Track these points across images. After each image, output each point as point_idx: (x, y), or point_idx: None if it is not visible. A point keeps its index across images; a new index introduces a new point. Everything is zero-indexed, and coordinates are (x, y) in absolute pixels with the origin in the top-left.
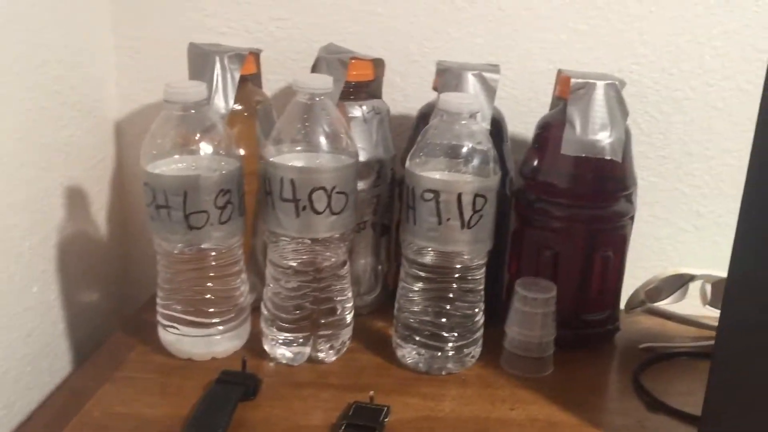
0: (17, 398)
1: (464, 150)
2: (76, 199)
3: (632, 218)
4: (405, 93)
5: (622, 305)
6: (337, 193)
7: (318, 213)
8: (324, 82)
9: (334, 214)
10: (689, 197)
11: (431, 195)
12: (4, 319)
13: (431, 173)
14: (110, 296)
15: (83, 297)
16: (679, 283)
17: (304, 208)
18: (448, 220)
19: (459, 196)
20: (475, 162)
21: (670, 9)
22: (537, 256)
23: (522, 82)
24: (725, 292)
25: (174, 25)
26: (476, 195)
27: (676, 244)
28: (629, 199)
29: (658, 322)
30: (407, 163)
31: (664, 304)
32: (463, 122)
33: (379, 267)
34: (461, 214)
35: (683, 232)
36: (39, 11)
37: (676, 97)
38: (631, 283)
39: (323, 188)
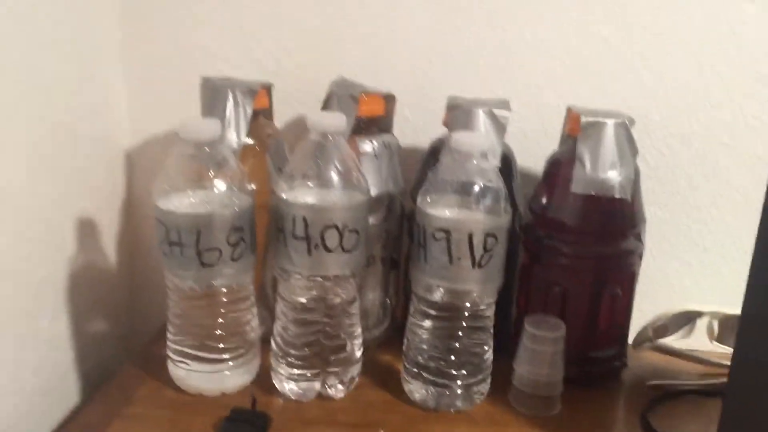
0: None
1: (475, 189)
2: (86, 230)
3: (641, 255)
4: (414, 126)
5: (630, 341)
6: (349, 231)
7: (330, 251)
8: (337, 120)
9: (345, 252)
10: (695, 232)
11: (443, 234)
12: (14, 353)
13: (442, 211)
14: (119, 327)
15: (92, 328)
16: (686, 319)
17: (316, 246)
18: (459, 259)
19: (470, 235)
20: (487, 201)
21: (676, 43)
22: (545, 292)
23: (530, 116)
24: (739, 330)
25: (185, 57)
26: (487, 235)
27: (682, 279)
28: (638, 237)
29: (665, 358)
30: (418, 201)
31: (671, 341)
32: (474, 161)
33: (388, 300)
34: (472, 253)
35: (689, 267)
36: (47, 42)
37: (683, 132)
38: (637, 317)
39: (335, 226)
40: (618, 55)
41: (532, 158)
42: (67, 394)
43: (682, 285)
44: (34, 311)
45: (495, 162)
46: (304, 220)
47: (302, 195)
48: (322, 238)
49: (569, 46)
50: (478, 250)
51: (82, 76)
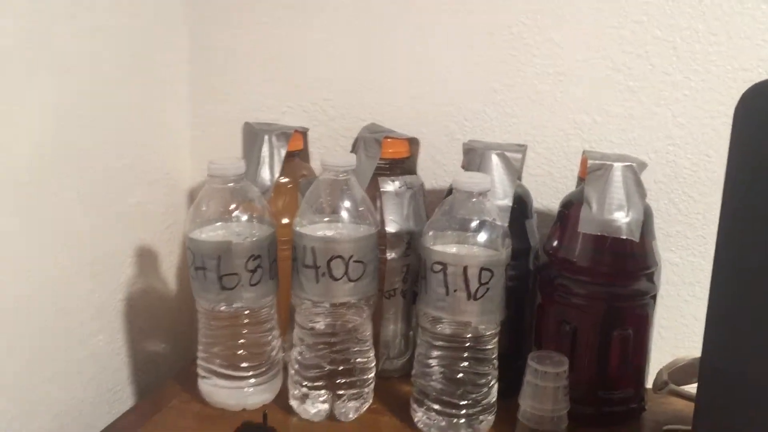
0: None
1: (473, 225)
2: (145, 258)
3: (654, 297)
4: (445, 168)
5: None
6: (355, 261)
7: (336, 279)
8: (347, 160)
9: (351, 281)
10: None
11: (440, 267)
12: (68, 364)
13: (443, 247)
14: (177, 348)
15: (149, 347)
16: None
17: (323, 274)
18: (455, 291)
19: (465, 268)
20: (484, 236)
21: (704, 93)
22: (557, 330)
23: (557, 160)
24: (699, 373)
25: (243, 106)
26: (482, 269)
27: None
28: (650, 279)
29: (690, 405)
30: (422, 237)
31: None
32: (474, 200)
33: (410, 333)
34: (467, 285)
35: None
36: (123, 95)
37: (714, 179)
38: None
39: (341, 257)
40: (646, 106)
41: (558, 201)
42: (120, 406)
43: None
44: (91, 330)
45: (507, 201)
46: (313, 250)
47: (315, 228)
48: (329, 267)
49: (597, 95)
50: (474, 283)
51: (148, 125)
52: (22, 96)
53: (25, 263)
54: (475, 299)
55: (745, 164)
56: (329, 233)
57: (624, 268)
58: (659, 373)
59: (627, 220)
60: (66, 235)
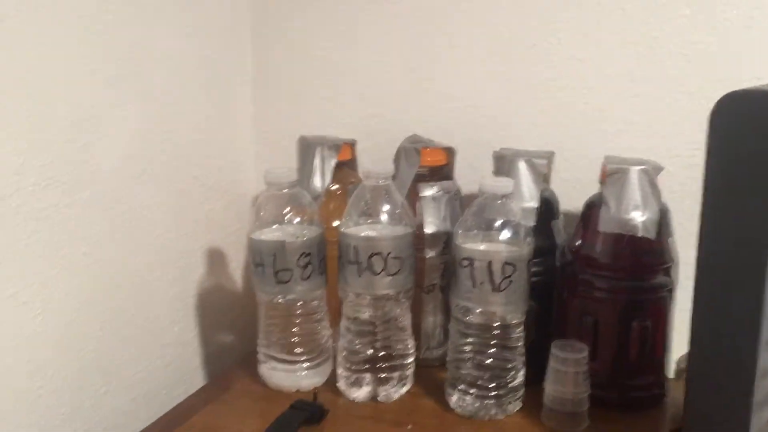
0: (153, 416)
1: (497, 224)
2: (214, 258)
3: (671, 291)
4: (481, 174)
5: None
6: (393, 257)
7: (376, 274)
8: (386, 169)
9: (390, 275)
10: None
11: (467, 262)
12: (147, 351)
13: (470, 244)
14: (243, 340)
15: (218, 339)
16: None
17: (365, 269)
18: (481, 283)
19: (489, 263)
20: (507, 234)
21: None
22: (580, 322)
23: (583, 166)
24: (687, 366)
25: (299, 121)
26: (505, 263)
27: None
28: (667, 273)
29: None
30: (453, 236)
31: None
32: (499, 202)
33: (448, 325)
34: (492, 279)
35: None
36: (193, 117)
37: None
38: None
39: (380, 253)
40: (665, 114)
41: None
42: (193, 390)
43: None
44: (166, 319)
45: (532, 204)
46: (355, 248)
47: (359, 229)
48: (370, 263)
49: (618, 106)
50: (498, 276)
51: (221, 141)
52: (111, 119)
53: (113, 261)
54: (500, 291)
55: (720, 167)
56: (371, 234)
57: (641, 264)
58: (678, 362)
59: (643, 219)
60: (148, 237)
